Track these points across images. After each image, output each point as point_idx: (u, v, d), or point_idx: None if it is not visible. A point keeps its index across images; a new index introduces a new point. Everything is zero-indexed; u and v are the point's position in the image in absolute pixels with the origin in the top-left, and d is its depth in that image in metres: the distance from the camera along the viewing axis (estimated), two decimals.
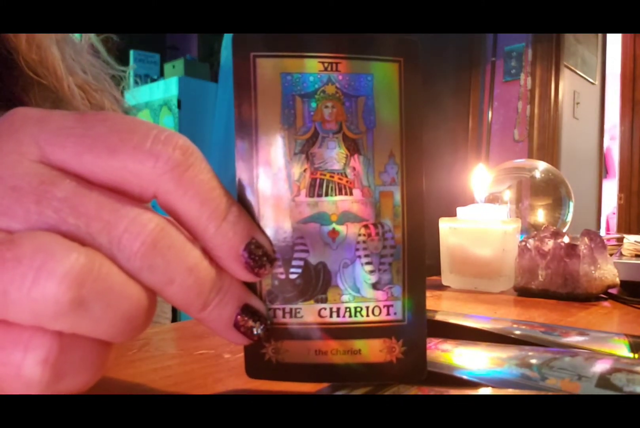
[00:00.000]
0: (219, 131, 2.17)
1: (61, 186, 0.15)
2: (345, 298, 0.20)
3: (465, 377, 0.21)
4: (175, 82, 2.30)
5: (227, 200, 0.17)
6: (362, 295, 0.20)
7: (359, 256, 0.19)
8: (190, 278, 0.16)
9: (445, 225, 0.53)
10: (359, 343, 0.20)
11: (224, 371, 0.25)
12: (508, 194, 0.69)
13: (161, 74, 2.66)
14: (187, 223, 0.17)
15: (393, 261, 0.20)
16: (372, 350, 0.20)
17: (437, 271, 0.55)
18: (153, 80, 2.57)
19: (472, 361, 0.23)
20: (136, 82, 2.60)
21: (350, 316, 0.20)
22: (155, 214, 0.16)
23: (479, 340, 0.26)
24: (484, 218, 0.53)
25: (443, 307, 0.44)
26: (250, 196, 0.19)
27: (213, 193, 0.17)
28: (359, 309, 0.20)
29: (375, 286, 0.20)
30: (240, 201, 0.19)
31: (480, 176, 0.58)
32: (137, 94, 2.46)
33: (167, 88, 2.34)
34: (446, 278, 0.54)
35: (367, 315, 0.20)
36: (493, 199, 0.70)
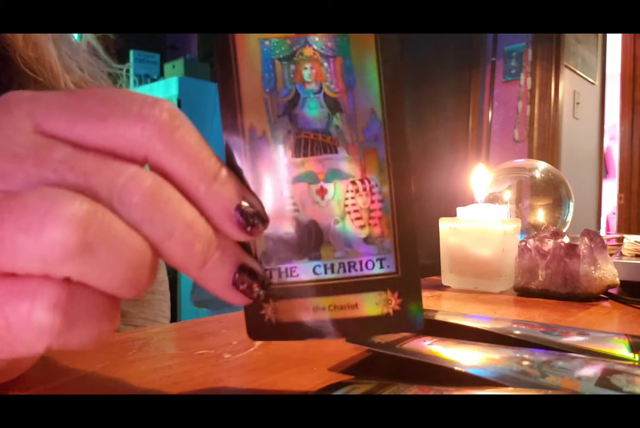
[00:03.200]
0: (219, 130, 2.17)
1: (58, 149, 0.16)
2: (338, 254, 0.20)
3: (464, 370, 0.21)
4: (175, 82, 2.30)
5: (216, 161, 0.18)
6: (354, 250, 0.20)
7: (349, 212, 0.20)
8: (189, 233, 0.17)
9: (445, 225, 0.53)
10: (355, 298, 0.20)
11: (224, 371, 0.25)
12: (508, 194, 0.69)
13: (161, 74, 2.65)
14: (178, 183, 0.17)
15: (382, 215, 0.20)
16: (369, 304, 0.20)
17: (437, 271, 0.56)
18: (153, 80, 2.57)
19: (472, 359, 0.23)
20: (136, 82, 2.60)
21: (344, 271, 0.20)
22: (152, 172, 0.17)
23: (479, 340, 0.26)
24: (484, 218, 0.53)
25: (443, 307, 0.44)
26: (238, 160, 0.19)
27: (202, 153, 0.17)
28: (352, 264, 0.20)
29: (366, 240, 0.20)
30: (229, 165, 0.19)
31: (480, 176, 0.58)
32: None
33: (167, 88, 2.33)
34: (446, 278, 0.54)
35: (361, 269, 0.20)
36: (493, 199, 0.70)
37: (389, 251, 0.20)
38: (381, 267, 0.20)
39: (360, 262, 0.20)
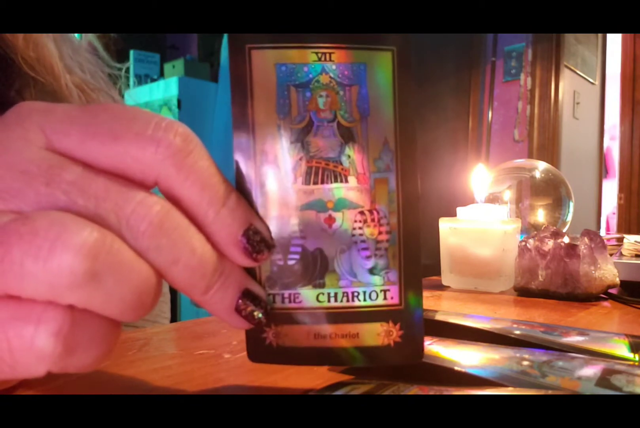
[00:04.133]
0: (219, 130, 2.17)
1: (69, 170, 0.16)
2: (342, 283, 0.20)
3: (464, 370, 0.21)
4: (175, 82, 2.30)
5: (226, 187, 0.18)
6: (359, 279, 0.20)
7: (355, 242, 0.20)
8: (195, 259, 0.17)
9: (445, 225, 0.53)
10: (357, 327, 0.20)
11: (224, 371, 0.25)
12: (508, 194, 0.69)
13: (161, 74, 2.65)
14: (187, 208, 0.17)
15: (389, 247, 0.20)
16: (370, 334, 0.20)
17: (437, 271, 0.55)
18: (153, 80, 2.57)
19: (472, 359, 0.23)
20: (136, 82, 2.60)
21: (348, 300, 0.20)
22: (160, 198, 0.17)
23: (479, 340, 0.26)
24: (484, 218, 0.53)
25: (443, 307, 0.44)
26: (248, 184, 0.19)
27: (213, 179, 0.17)
28: (356, 294, 0.20)
29: (372, 271, 0.20)
30: (239, 189, 0.19)
31: (480, 176, 0.58)
32: (137, 94, 2.46)
33: (167, 88, 2.33)
34: (446, 278, 0.54)
35: (365, 300, 0.20)
36: (493, 199, 0.70)
37: (394, 282, 0.20)
38: (385, 298, 0.20)
39: (364, 292, 0.20)
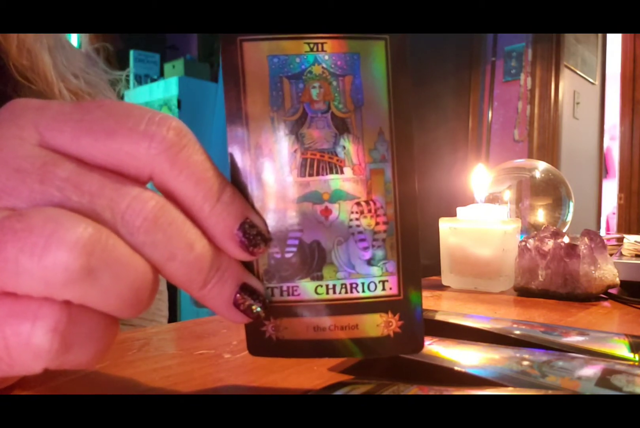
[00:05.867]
0: (219, 130, 2.17)
1: (63, 166, 0.16)
2: (340, 274, 0.20)
3: (464, 370, 0.21)
4: (175, 82, 2.30)
5: (221, 181, 0.18)
6: (357, 271, 0.20)
7: (352, 233, 0.20)
8: (191, 254, 0.17)
9: (445, 225, 0.53)
10: (356, 319, 0.20)
11: (224, 371, 0.25)
12: (508, 194, 0.69)
13: (161, 74, 2.65)
14: (182, 203, 0.17)
15: (386, 237, 0.20)
16: (370, 325, 0.20)
17: (437, 271, 0.55)
18: (153, 80, 2.57)
19: (472, 359, 0.23)
20: (136, 83, 2.60)
21: (346, 292, 0.20)
22: (155, 193, 0.17)
23: (479, 340, 0.26)
24: (484, 218, 0.53)
25: (443, 307, 0.44)
26: (243, 178, 0.19)
27: (207, 173, 0.17)
28: (355, 285, 0.20)
29: (369, 262, 0.20)
30: (234, 183, 0.19)
31: (480, 176, 0.58)
32: (137, 94, 2.46)
33: (167, 88, 2.34)
34: (446, 278, 0.54)
35: (363, 291, 0.20)
36: (493, 199, 0.70)
37: (392, 273, 0.20)
38: (383, 289, 0.20)
39: (363, 283, 0.20)
